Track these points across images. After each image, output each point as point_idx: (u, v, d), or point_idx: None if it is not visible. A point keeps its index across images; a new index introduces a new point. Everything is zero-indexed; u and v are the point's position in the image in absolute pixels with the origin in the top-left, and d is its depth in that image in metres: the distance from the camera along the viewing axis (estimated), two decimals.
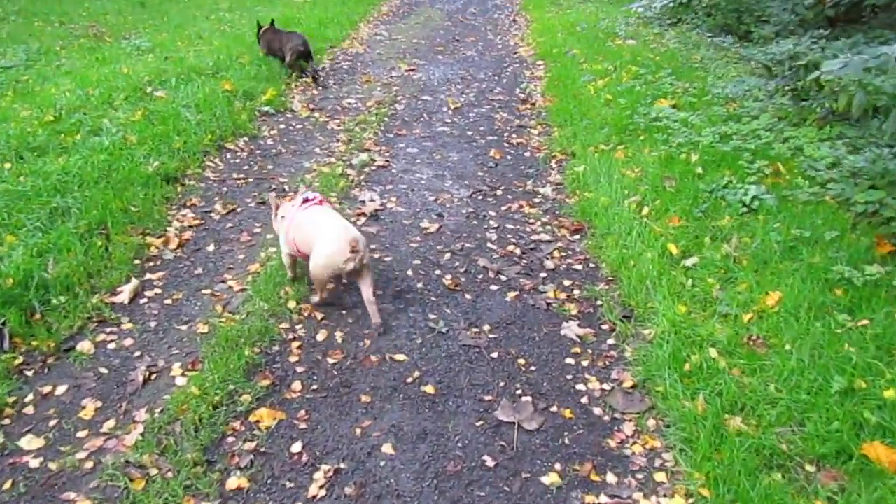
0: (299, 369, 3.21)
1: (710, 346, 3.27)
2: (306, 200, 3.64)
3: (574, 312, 3.75)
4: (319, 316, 3.60)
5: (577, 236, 4.61)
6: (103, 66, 7.55)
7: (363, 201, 4.90)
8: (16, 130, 5.29)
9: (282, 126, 6.38)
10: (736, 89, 6.71)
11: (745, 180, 4.72)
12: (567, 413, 3.03)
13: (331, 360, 3.28)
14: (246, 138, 5.97)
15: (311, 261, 3.45)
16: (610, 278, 4.09)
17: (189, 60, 7.75)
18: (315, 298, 3.66)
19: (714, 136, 5.53)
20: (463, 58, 9.40)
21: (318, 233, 3.45)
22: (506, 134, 6.48)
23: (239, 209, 4.75)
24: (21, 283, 3.46)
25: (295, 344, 3.38)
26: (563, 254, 4.38)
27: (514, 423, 2.95)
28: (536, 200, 5.12)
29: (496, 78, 8.43)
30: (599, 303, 3.84)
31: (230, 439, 2.78)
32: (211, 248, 4.23)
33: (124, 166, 4.82)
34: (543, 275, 4.12)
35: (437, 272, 4.08)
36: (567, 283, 4.04)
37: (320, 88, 7.61)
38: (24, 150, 5.02)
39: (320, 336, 3.45)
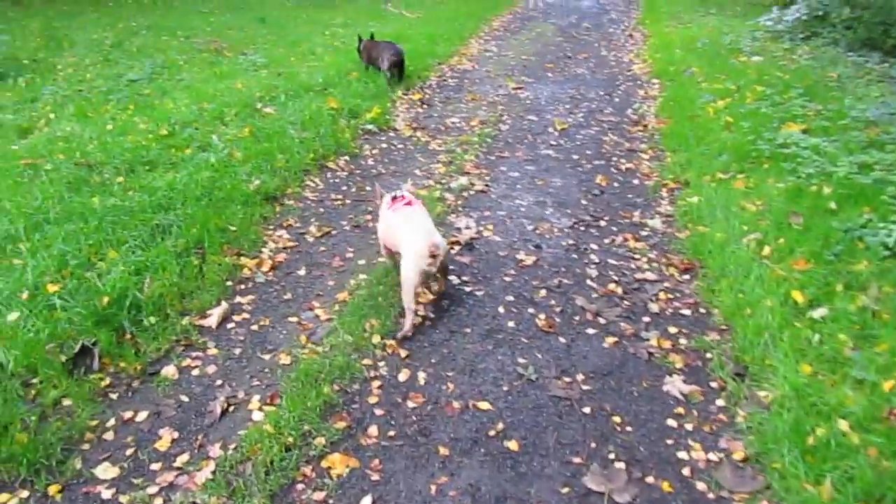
0: (377, 412, 3.05)
1: (841, 418, 2.84)
2: (395, 199, 3.83)
3: (679, 365, 3.39)
4: (403, 353, 3.43)
5: (687, 276, 4.22)
6: (219, 82, 7.82)
7: (459, 228, 4.72)
8: (132, 144, 5.51)
9: (384, 145, 6.33)
10: (879, 112, 6.06)
11: (888, 219, 4.18)
12: (665, 486, 2.70)
13: (411, 404, 3.10)
14: (347, 157, 5.95)
15: (401, 269, 3.58)
16: (722, 327, 3.69)
17: (300, 77, 7.90)
18: (407, 326, 3.54)
19: (852, 166, 4.97)
20: (573, 75, 9.08)
21: (403, 239, 3.63)
22: (614, 158, 6.13)
23: (334, 232, 4.68)
24: (116, 303, 3.51)
25: (375, 383, 3.22)
26: (671, 296, 4.01)
27: (603, 493, 2.65)
28: (643, 233, 4.76)
29: (607, 97, 8.06)
30: (709, 356, 3.45)
31: (299, 486, 2.65)
32: (302, 272, 4.18)
33: (227, 184, 4.88)
34: (647, 319, 3.77)
35: (531, 311, 3.83)
36: (673, 330, 3.68)
37: (425, 106, 7.53)
38: (137, 164, 5.20)
39: (402, 376, 3.28)
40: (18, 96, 7.16)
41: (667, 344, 3.55)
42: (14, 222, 4.15)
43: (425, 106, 7.55)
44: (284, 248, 4.44)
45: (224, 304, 3.74)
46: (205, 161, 5.25)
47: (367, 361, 3.36)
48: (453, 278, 4.10)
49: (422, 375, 3.28)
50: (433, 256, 3.45)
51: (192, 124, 6.14)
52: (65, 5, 12.98)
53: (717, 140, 5.99)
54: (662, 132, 6.73)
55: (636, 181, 5.67)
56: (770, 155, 5.48)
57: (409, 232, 3.59)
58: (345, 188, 5.39)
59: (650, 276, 4.23)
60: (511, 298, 3.95)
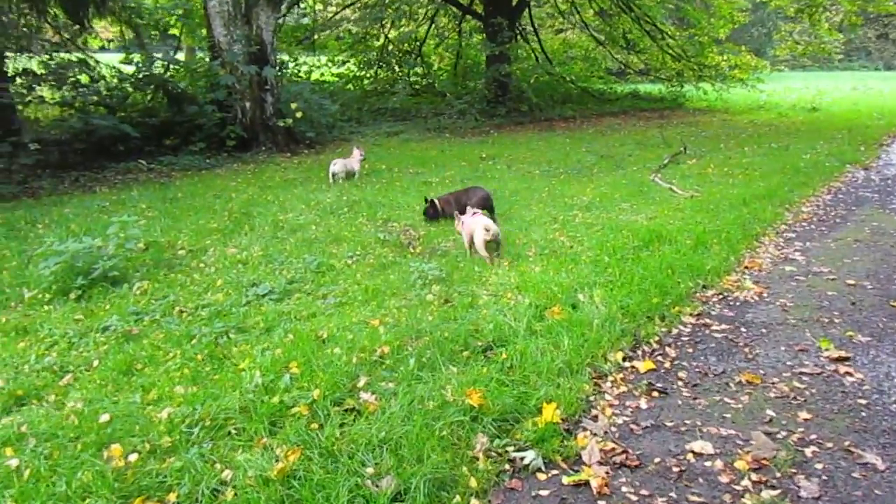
0: None
1: None
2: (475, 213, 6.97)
3: None
4: None
5: None
6: (362, 306, 5.51)
7: None
8: (82, 479, 3.17)
9: None
10: None
11: None
12: None
13: None
14: None
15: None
16: None
17: (476, 313, 5.21)
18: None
19: None
20: None
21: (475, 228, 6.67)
22: None
23: None
24: None
25: None
26: None
27: None
28: None
29: None
30: None
31: None
32: None
33: None
34: None
35: None
36: None
37: (654, 394, 4.24)
38: None
39: None
40: (91, 322, 5.37)
41: None
42: None
43: (655, 393, 4.27)
44: None
45: None
46: None
47: None
48: None
49: None
50: (486, 230, 6.44)
51: (225, 427, 3.68)
52: (291, 172, 12.22)
53: None
54: None
55: None
56: None
57: (476, 224, 6.64)
58: None
59: None
60: None
